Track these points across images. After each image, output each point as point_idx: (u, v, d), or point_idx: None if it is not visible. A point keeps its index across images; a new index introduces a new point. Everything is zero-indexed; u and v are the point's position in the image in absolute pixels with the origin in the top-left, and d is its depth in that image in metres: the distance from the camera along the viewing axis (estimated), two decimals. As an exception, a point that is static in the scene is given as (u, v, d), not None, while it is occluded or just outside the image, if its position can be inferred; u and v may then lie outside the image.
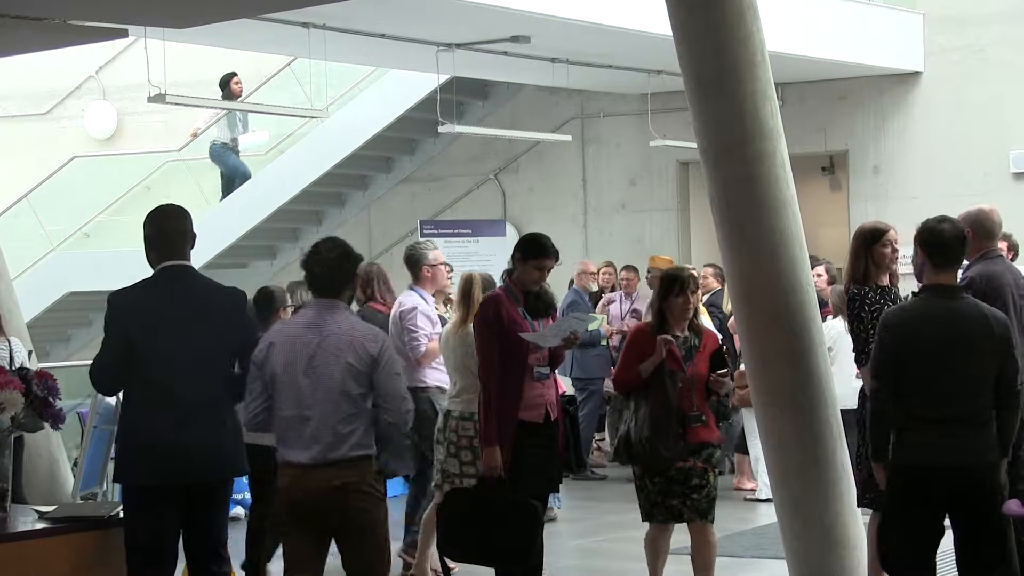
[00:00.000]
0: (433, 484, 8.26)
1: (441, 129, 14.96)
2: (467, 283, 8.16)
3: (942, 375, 5.93)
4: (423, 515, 8.47)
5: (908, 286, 7.09)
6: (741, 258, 7.49)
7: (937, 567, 6.08)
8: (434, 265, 8.94)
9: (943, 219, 6.19)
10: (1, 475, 6.12)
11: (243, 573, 8.20)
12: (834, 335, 9.54)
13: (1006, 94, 15.36)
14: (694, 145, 7.71)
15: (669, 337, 7.18)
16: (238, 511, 10.28)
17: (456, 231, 16.92)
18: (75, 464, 10.10)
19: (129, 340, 5.84)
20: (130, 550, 5.79)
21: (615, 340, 13.13)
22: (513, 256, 7.25)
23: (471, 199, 18.13)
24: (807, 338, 7.44)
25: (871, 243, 7.19)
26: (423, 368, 8.80)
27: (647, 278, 13.58)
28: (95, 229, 19.01)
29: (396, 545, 7.62)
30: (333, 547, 5.99)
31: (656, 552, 7.37)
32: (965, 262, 6.91)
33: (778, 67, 7.67)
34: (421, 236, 16.48)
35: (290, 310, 8.83)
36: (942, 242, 6.06)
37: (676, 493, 7.19)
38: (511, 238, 16.14)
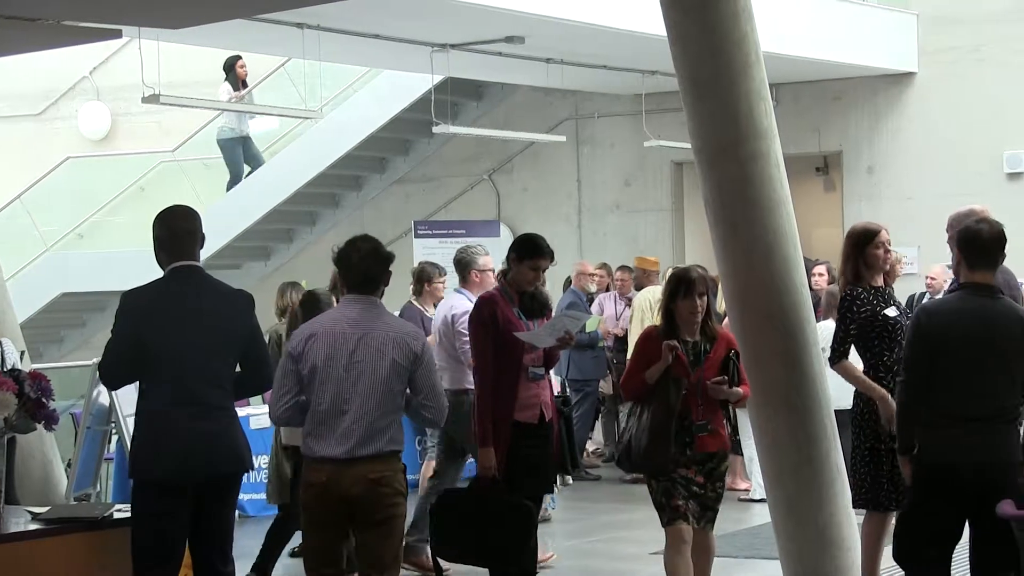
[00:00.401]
0: None
1: (435, 129, 14.97)
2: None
3: (972, 373, 5.95)
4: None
5: (907, 287, 7.11)
6: (735, 258, 7.48)
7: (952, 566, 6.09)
8: (483, 271, 9.18)
9: (981, 220, 6.25)
10: (-6, 476, 6.12)
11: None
12: (826, 336, 9.53)
13: (1000, 94, 15.39)
14: (688, 145, 7.71)
15: (675, 343, 6.84)
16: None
17: (450, 232, 16.90)
18: (68, 465, 10.11)
19: (140, 338, 5.88)
20: (139, 548, 5.81)
21: (608, 341, 13.14)
22: (508, 256, 7.25)
23: (465, 200, 18.13)
24: (801, 338, 7.44)
25: (864, 244, 7.19)
26: (471, 371, 8.90)
27: (632, 279, 13.58)
28: (89, 230, 19.01)
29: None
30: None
31: (674, 562, 6.88)
32: (950, 266, 6.91)
33: (772, 67, 7.67)
34: (415, 237, 16.50)
35: None
36: (979, 242, 6.09)
37: (680, 494, 6.90)
38: (505, 239, 16.13)
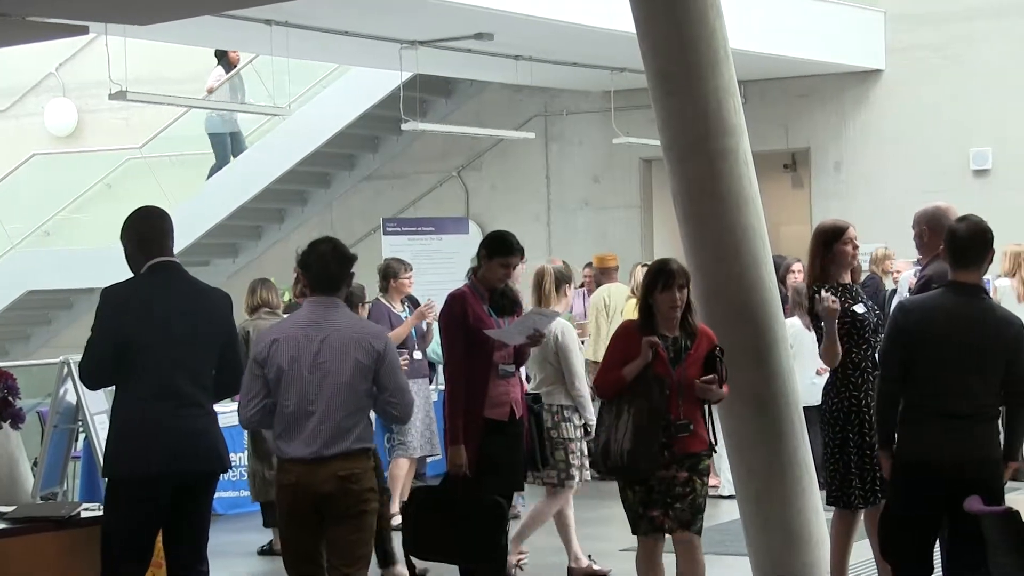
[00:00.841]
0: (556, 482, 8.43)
1: (404, 127, 14.95)
2: (539, 275, 8.60)
3: (950, 370, 5.96)
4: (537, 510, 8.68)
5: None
6: (704, 255, 7.49)
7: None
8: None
9: (962, 218, 6.23)
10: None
11: None
12: (793, 332, 9.56)
13: (966, 92, 15.47)
14: (657, 142, 7.72)
15: (655, 339, 6.47)
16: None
17: (419, 229, 16.89)
18: (35, 464, 10.04)
19: (122, 335, 5.87)
20: (110, 546, 5.80)
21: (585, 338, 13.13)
22: (478, 254, 7.25)
23: (434, 197, 18.11)
24: (770, 335, 7.46)
25: (831, 241, 7.20)
26: None
27: (589, 277, 13.56)
28: (55, 227, 18.92)
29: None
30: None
31: (646, 572, 6.71)
32: (918, 263, 6.90)
33: (740, 64, 7.68)
34: (384, 234, 16.47)
35: (368, 307, 9.21)
36: (957, 240, 6.09)
37: (658, 503, 6.55)
38: (474, 235, 16.12)
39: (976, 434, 5.96)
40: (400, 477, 10.37)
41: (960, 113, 15.48)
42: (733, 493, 8.30)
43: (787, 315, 9.54)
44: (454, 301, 7.16)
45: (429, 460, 11.63)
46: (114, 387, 6.06)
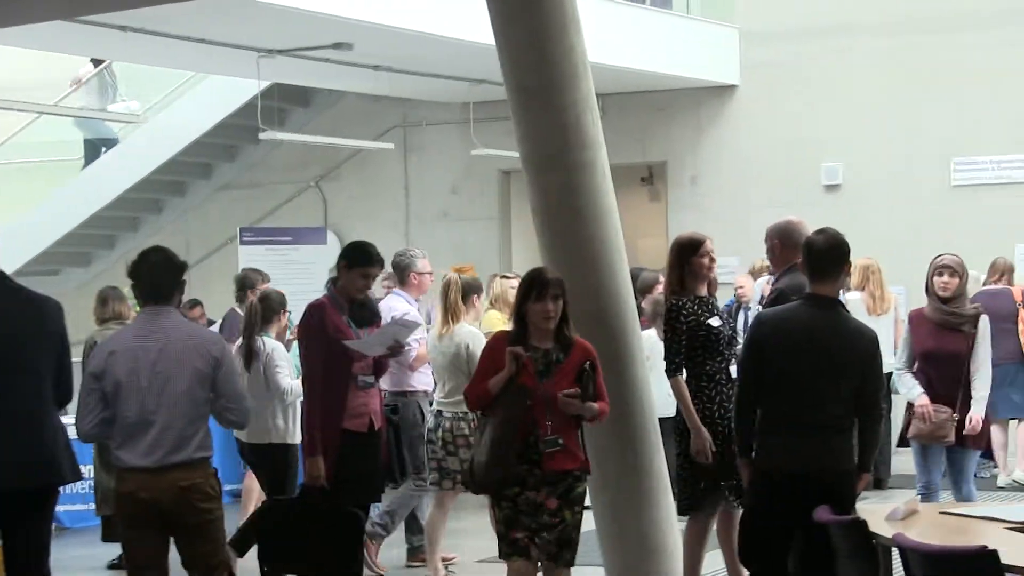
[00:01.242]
0: (429, 482, 8.51)
1: (262, 136, 14.82)
2: (445, 285, 8.59)
3: (802, 382, 6.07)
4: (426, 516, 8.73)
5: (729, 295, 7.22)
6: (561, 266, 7.51)
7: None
8: (421, 273, 9.26)
9: (820, 231, 6.32)
10: None
11: None
12: (650, 344, 9.65)
13: (818, 108, 15.77)
14: (516, 154, 7.75)
15: (519, 349, 6.19)
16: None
17: (276, 239, 16.75)
18: None
19: None
20: None
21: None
22: (338, 264, 7.23)
23: (292, 206, 17.98)
24: (626, 346, 7.51)
25: (689, 254, 7.32)
26: (412, 372, 8.99)
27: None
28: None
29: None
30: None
31: None
32: (770, 276, 7.04)
33: (598, 78, 7.75)
34: (241, 244, 16.31)
35: (288, 314, 9.32)
36: (814, 253, 6.20)
37: (523, 525, 6.22)
38: (332, 246, 16.04)
39: (832, 445, 6.08)
40: (254, 490, 10.26)
41: (811, 129, 15.78)
42: (588, 504, 8.34)
43: (644, 327, 9.64)
44: (313, 312, 7.13)
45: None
46: None
